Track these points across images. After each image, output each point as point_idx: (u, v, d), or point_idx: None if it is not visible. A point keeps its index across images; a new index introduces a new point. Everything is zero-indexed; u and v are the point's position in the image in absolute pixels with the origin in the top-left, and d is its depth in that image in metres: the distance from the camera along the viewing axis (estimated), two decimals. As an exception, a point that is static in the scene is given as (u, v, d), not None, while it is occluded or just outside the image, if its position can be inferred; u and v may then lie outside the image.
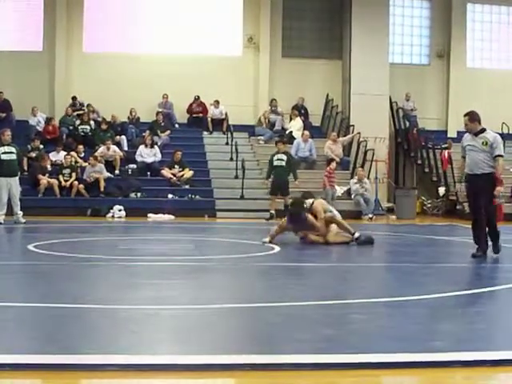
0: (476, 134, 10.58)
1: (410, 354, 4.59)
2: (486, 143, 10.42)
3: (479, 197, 10.50)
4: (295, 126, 24.36)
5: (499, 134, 11.90)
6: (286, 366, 4.34)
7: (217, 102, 24.75)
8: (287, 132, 24.23)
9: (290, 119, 24.87)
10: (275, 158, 19.72)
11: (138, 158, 22.13)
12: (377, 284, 8.39)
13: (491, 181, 10.50)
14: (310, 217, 12.34)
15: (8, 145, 16.47)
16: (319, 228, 12.31)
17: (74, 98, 24.33)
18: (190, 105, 25.00)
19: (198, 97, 24.81)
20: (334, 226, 12.44)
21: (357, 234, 12.31)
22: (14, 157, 16.44)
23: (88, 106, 24.13)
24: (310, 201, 12.80)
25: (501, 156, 10.47)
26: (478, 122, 10.63)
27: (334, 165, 21.06)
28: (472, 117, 10.65)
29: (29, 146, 21.55)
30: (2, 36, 24.61)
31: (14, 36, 24.83)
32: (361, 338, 5.16)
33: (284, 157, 19.67)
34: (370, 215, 20.59)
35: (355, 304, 6.53)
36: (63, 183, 20.46)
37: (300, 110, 25.19)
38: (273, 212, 19.42)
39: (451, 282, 8.33)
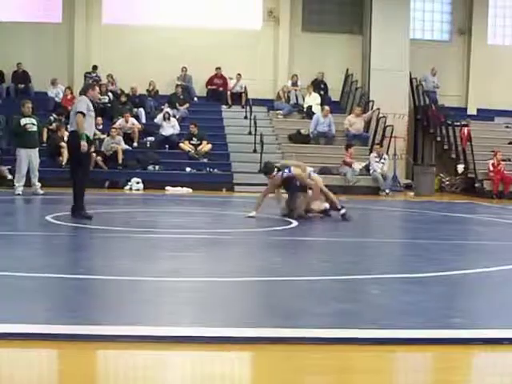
0: None
1: (428, 330, 4.58)
2: None
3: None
4: (312, 101, 24.26)
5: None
6: (304, 340, 4.34)
7: (239, 75, 24.68)
8: (306, 106, 24.19)
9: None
10: None
11: (159, 131, 22.09)
12: (395, 260, 8.37)
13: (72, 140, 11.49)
14: (298, 172, 12.11)
15: (29, 116, 16.49)
16: (312, 186, 12.07)
17: (94, 67, 24.19)
18: (211, 77, 24.92)
19: (220, 68, 24.71)
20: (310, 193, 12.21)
21: (343, 211, 11.98)
22: (35, 128, 16.49)
23: (108, 76, 24.02)
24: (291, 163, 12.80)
25: (80, 113, 11.58)
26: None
27: (351, 151, 21.13)
28: None
29: (51, 118, 21.51)
30: (21, 8, 24.59)
31: (32, 8, 24.78)
32: (378, 314, 5.15)
33: None
34: (387, 190, 20.56)
35: (373, 279, 6.51)
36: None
37: (319, 85, 25.08)
38: None
39: (469, 259, 8.30)
